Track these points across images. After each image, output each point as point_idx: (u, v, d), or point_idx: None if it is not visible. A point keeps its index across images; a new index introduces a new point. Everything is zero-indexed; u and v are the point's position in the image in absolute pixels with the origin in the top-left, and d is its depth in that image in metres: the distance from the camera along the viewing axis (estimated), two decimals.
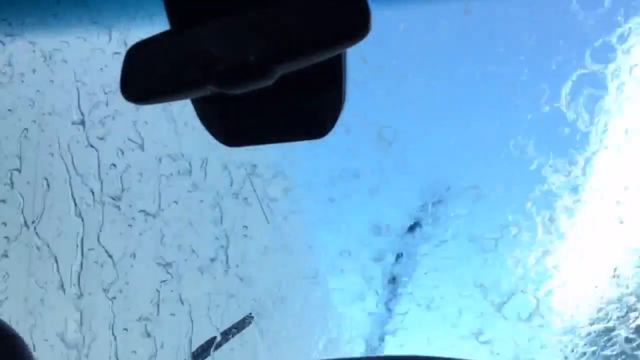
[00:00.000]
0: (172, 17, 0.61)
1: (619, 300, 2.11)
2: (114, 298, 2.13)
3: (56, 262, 2.03)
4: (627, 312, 2.09)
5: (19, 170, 2.00)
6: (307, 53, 0.54)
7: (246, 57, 0.55)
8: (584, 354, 2.12)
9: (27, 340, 0.86)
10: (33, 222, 2.01)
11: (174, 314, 2.21)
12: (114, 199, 2.11)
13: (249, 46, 0.55)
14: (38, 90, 2.07)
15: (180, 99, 0.61)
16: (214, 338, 2.20)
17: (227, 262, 2.28)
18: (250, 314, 2.32)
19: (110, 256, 2.11)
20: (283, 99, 0.63)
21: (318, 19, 0.54)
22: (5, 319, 0.86)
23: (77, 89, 2.07)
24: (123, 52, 0.61)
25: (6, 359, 0.79)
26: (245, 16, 0.56)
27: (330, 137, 0.67)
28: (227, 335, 2.23)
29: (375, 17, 0.52)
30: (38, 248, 2.01)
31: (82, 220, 2.08)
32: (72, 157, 2.05)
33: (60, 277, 2.03)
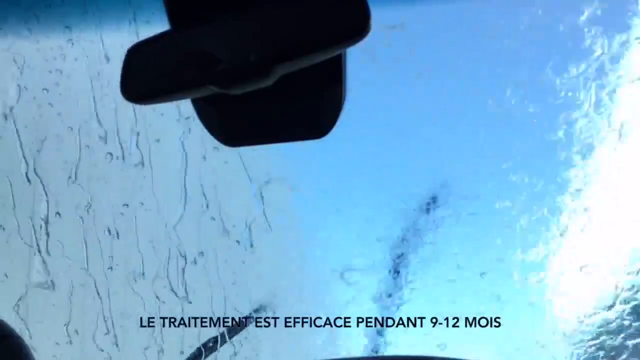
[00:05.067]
0: (172, 17, 0.61)
1: None
2: None
3: None
4: None
5: None
6: (307, 53, 0.55)
7: (246, 57, 0.55)
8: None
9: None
10: None
11: None
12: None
13: (249, 46, 0.55)
14: None
15: (180, 99, 0.61)
16: (215, 338, 2.20)
17: None
18: (251, 313, 2.32)
19: None
20: (283, 99, 0.63)
21: (318, 19, 0.54)
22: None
23: None
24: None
25: (6, 359, 0.79)
26: (245, 16, 0.56)
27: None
28: (227, 334, 2.23)
29: (375, 17, 0.52)
30: None
31: None
32: None
33: None
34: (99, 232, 2.16)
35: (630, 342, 2.05)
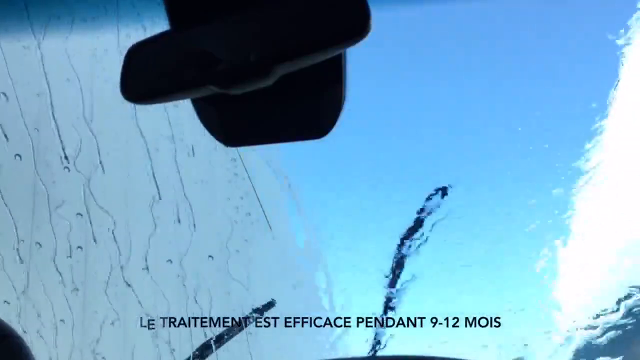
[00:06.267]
0: (172, 17, 0.61)
1: None
2: None
3: None
4: None
5: None
6: (307, 53, 0.54)
7: (246, 57, 0.55)
8: None
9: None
10: None
11: None
12: None
13: (249, 46, 0.55)
14: None
15: (180, 98, 0.61)
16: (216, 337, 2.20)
17: None
18: (252, 313, 2.32)
19: None
20: (283, 99, 0.63)
21: (318, 19, 0.54)
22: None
23: None
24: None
25: (6, 359, 0.79)
26: (245, 16, 0.56)
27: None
28: (227, 334, 2.22)
29: (375, 18, 0.52)
30: None
31: None
32: None
33: None
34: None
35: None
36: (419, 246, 2.27)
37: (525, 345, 2.13)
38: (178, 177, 2.58)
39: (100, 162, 2.26)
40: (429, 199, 2.23)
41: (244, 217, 3.09)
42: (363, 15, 0.52)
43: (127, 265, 2.32)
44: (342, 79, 0.62)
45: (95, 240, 2.23)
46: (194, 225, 2.69)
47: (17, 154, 2.01)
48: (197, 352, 2.17)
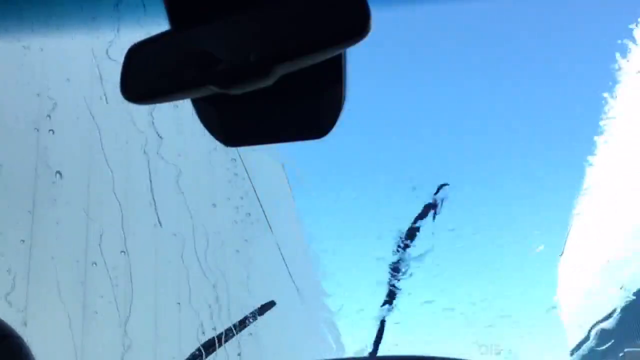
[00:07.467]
0: (172, 17, 0.61)
1: None
2: None
3: None
4: None
5: None
6: (307, 53, 0.55)
7: (246, 57, 0.55)
8: None
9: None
10: None
11: None
12: None
13: (249, 46, 0.55)
14: None
15: (180, 99, 0.61)
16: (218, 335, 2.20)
17: None
18: (253, 312, 2.33)
19: None
20: (283, 99, 0.63)
21: (318, 19, 0.54)
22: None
23: None
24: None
25: (6, 359, 0.79)
26: (245, 16, 0.56)
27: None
28: (226, 335, 2.23)
29: (375, 18, 0.52)
30: None
31: None
32: None
33: None
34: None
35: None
36: (418, 248, 2.28)
37: (522, 345, 2.14)
38: (178, 177, 2.59)
39: (99, 163, 2.27)
40: (429, 199, 2.24)
41: (244, 217, 3.10)
42: (363, 15, 0.53)
43: (125, 265, 2.32)
44: (342, 79, 0.62)
45: (91, 239, 2.23)
46: (194, 225, 2.69)
47: (18, 154, 2.01)
48: (197, 352, 2.17)
